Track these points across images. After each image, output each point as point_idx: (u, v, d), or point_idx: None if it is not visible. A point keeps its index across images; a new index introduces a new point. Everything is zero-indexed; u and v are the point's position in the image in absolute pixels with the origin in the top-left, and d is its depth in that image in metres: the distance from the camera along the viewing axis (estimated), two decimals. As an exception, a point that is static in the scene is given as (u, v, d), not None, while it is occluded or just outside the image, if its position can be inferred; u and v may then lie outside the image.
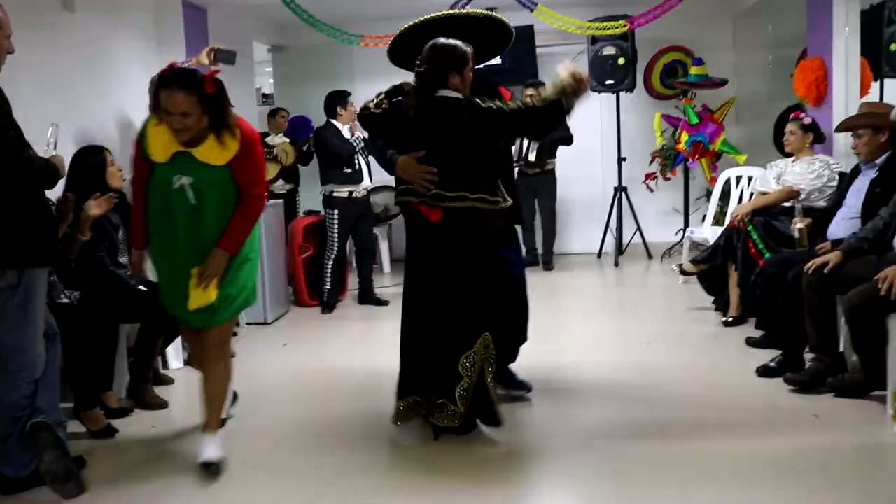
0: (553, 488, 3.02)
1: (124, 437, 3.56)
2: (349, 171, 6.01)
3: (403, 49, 3.57)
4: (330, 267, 6.14)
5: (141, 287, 4.08)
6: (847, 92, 5.37)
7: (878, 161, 4.10)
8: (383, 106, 3.42)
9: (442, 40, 3.31)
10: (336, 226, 6.09)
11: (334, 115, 6.10)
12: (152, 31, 5.78)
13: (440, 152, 3.26)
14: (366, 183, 6.16)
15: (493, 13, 3.57)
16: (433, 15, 3.48)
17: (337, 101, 6.13)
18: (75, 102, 4.74)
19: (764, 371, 4.00)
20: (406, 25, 3.51)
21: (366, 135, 5.88)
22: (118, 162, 4.22)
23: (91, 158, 4.07)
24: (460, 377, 3.25)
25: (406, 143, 3.36)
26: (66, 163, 3.39)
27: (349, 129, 6.10)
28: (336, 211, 6.06)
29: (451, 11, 3.59)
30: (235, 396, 3.72)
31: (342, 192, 6.06)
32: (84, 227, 3.76)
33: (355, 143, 6.07)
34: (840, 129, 4.51)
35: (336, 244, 6.11)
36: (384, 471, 3.19)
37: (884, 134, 4.01)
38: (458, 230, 3.27)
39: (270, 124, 7.18)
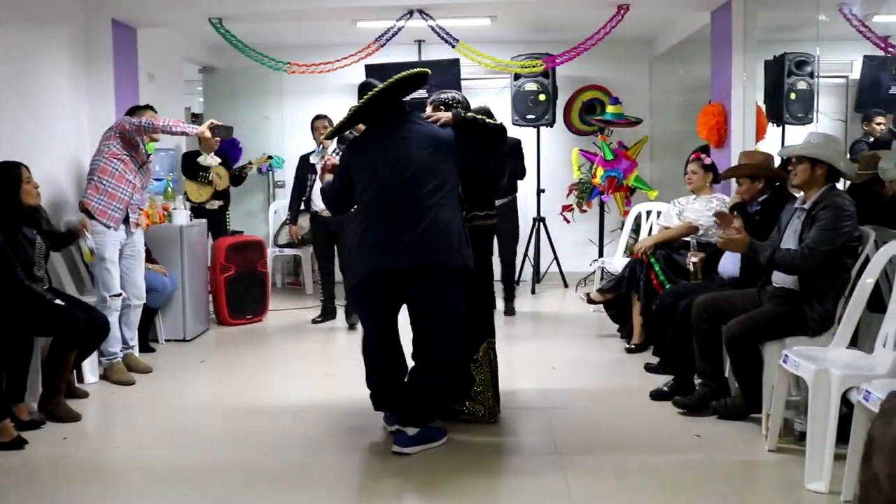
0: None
1: (34, 449, 3.60)
2: None
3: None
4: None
5: (58, 301, 4.13)
6: (744, 136, 5.76)
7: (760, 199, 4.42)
8: None
9: None
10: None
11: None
12: (81, 48, 5.83)
13: None
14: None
15: (416, 70, 3.64)
16: (377, 89, 3.52)
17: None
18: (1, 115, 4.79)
19: (656, 395, 4.26)
20: (357, 104, 3.60)
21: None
22: (35, 179, 4.26)
23: (5, 174, 4.11)
24: None
25: None
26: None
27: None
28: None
29: (393, 80, 3.53)
30: None
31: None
32: None
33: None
34: (723, 176, 4.89)
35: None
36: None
37: (760, 181, 4.35)
38: None
39: (201, 143, 7.16)
